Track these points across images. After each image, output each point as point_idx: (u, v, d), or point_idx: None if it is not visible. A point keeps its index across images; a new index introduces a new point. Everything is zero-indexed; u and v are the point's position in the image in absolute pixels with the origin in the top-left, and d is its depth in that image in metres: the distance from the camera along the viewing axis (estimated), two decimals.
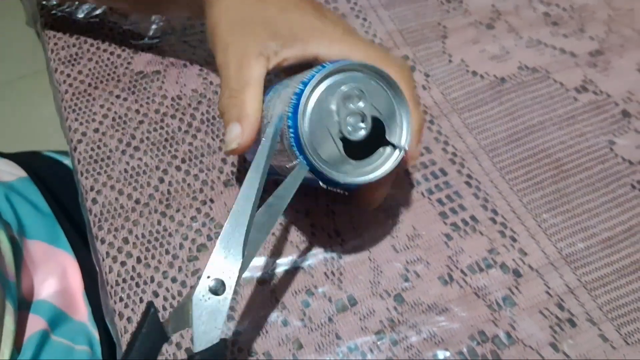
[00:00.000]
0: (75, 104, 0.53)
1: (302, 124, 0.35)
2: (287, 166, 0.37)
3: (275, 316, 0.42)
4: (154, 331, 0.32)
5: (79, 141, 0.51)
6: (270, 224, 0.35)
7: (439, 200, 0.48)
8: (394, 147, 0.37)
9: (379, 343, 0.41)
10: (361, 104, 0.36)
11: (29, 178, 0.64)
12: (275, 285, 0.44)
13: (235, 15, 0.41)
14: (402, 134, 0.37)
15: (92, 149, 0.50)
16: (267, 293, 0.43)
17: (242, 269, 0.33)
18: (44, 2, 0.59)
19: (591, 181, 0.50)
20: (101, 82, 0.54)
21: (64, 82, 0.55)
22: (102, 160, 0.50)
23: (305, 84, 0.35)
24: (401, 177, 0.49)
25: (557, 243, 0.46)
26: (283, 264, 0.45)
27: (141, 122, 0.52)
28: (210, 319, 0.32)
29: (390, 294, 0.44)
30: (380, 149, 0.37)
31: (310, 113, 0.35)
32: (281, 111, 0.36)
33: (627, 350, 0.42)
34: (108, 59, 0.56)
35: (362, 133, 0.36)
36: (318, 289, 0.44)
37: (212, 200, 0.48)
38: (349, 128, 0.36)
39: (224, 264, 0.33)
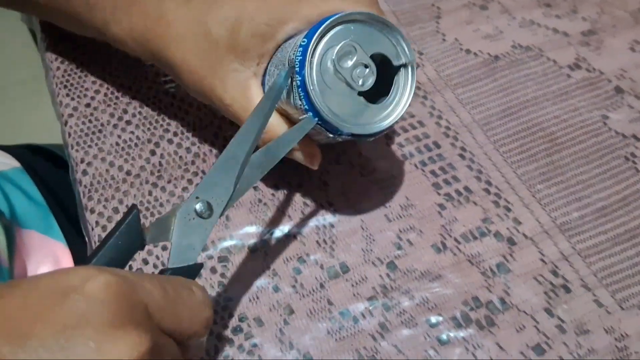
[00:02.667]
0: (67, 80, 0.53)
1: (310, 77, 0.35)
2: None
3: (266, 283, 0.42)
4: (132, 233, 0.31)
5: (70, 115, 0.51)
6: (266, 166, 0.35)
7: (432, 172, 0.48)
8: (403, 67, 0.38)
9: (371, 308, 0.41)
10: (357, 57, 0.37)
11: (22, 169, 0.64)
12: (266, 253, 0.43)
13: (199, 54, 0.39)
14: (405, 50, 0.38)
15: (84, 123, 0.50)
16: (258, 260, 0.43)
17: (232, 199, 0.33)
18: None
19: (585, 153, 0.49)
20: (94, 60, 0.54)
21: (56, 59, 0.55)
22: (94, 133, 0.50)
23: (309, 37, 0.36)
24: (394, 149, 0.49)
25: (551, 212, 0.46)
26: (275, 232, 0.44)
27: (134, 97, 0.52)
28: (191, 239, 0.32)
29: (383, 261, 0.43)
30: (393, 84, 0.38)
31: (316, 71, 0.36)
32: (285, 69, 0.37)
33: (622, 314, 0.41)
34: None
35: (371, 80, 0.37)
36: (310, 257, 0.43)
37: (204, 172, 0.47)
38: (359, 81, 0.37)
39: (215, 189, 0.33)
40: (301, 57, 0.36)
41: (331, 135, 0.38)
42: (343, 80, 0.37)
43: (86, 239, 0.46)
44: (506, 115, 0.52)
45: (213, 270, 0.42)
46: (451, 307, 0.41)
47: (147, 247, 0.42)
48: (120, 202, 0.46)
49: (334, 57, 0.36)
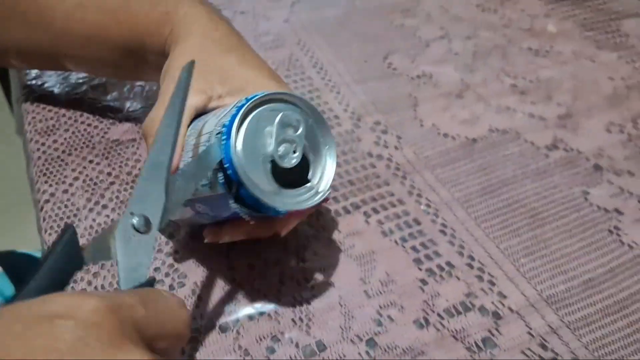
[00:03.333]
0: (47, 169, 0.53)
1: (234, 138, 0.34)
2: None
3: None
4: (70, 252, 0.29)
5: (47, 201, 0.50)
6: (200, 175, 0.34)
7: (413, 248, 0.47)
8: (316, 191, 0.37)
9: None
10: (296, 135, 0.36)
11: (4, 273, 0.64)
12: (238, 332, 0.41)
13: (193, 57, 0.42)
14: (323, 177, 0.38)
15: (59, 208, 0.50)
16: (229, 340, 0.41)
17: (168, 210, 0.32)
18: (30, 82, 0.61)
19: (568, 227, 0.48)
20: (75, 149, 0.55)
21: (38, 149, 0.55)
22: (68, 217, 0.49)
23: (247, 100, 0.35)
24: (373, 226, 0.48)
25: (537, 286, 0.44)
26: (247, 310, 0.42)
27: (112, 183, 0.52)
28: (137, 257, 0.30)
29: (362, 338, 0.41)
30: (308, 184, 0.37)
31: (247, 128, 0.34)
32: (213, 127, 0.36)
33: None
34: (85, 129, 0.57)
35: (293, 162, 0.36)
36: (285, 335, 0.41)
37: (176, 252, 0.46)
38: (280, 154, 0.35)
39: (148, 201, 0.32)
40: (232, 118, 0.34)
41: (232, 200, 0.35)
42: (270, 140, 0.35)
43: None
44: (486, 193, 0.51)
45: (181, 351, 0.40)
46: None
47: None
48: (89, 283, 0.44)
49: (280, 115, 0.35)
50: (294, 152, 0.36)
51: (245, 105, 0.34)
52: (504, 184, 0.52)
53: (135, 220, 0.31)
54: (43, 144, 0.55)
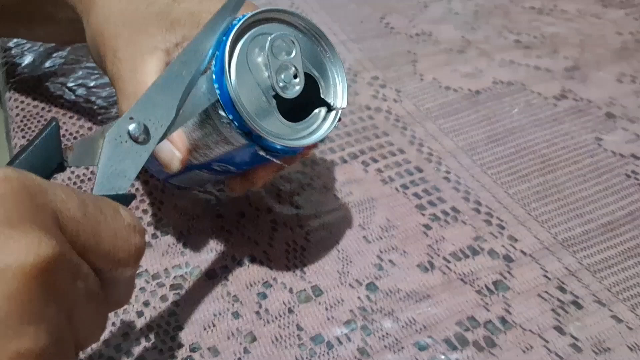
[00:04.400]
0: (25, 124, 0.50)
1: (228, 78, 0.29)
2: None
3: (224, 309, 0.36)
4: (49, 148, 0.25)
5: None
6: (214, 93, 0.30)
7: (415, 194, 0.43)
8: (329, 107, 0.33)
9: (348, 333, 0.34)
10: (292, 56, 0.31)
11: None
12: (226, 279, 0.37)
13: (122, 16, 0.35)
14: (337, 93, 0.33)
15: None
16: (216, 286, 0.37)
17: (175, 124, 0.28)
18: (9, 45, 0.57)
19: (582, 172, 0.45)
20: (56, 106, 0.52)
21: (17, 107, 0.52)
22: None
23: (228, 33, 0.30)
24: (372, 174, 0.45)
25: (551, 229, 0.41)
26: (237, 257, 0.39)
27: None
28: (122, 165, 0.26)
29: (362, 282, 0.37)
30: (316, 110, 0.33)
31: (236, 66, 0.30)
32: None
33: None
34: (67, 87, 0.54)
35: (296, 89, 0.31)
36: (277, 281, 0.37)
37: (161, 202, 0.43)
38: (281, 84, 0.31)
39: (154, 110, 0.27)
40: (225, 38, 0.30)
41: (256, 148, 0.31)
42: (267, 75, 0.30)
43: None
44: (492, 142, 0.48)
45: (164, 298, 0.36)
46: (443, 329, 0.35)
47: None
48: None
49: (268, 41, 0.30)
50: (295, 77, 0.31)
51: (227, 44, 0.29)
52: (510, 133, 0.49)
53: (132, 126, 0.27)
54: (22, 102, 0.52)
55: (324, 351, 0.34)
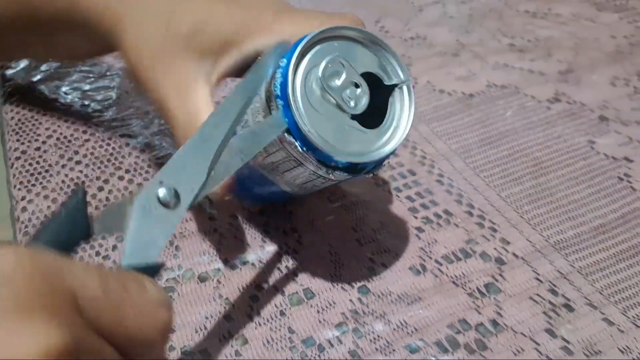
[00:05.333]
0: (20, 127, 0.50)
1: (295, 100, 0.30)
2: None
3: (216, 312, 0.36)
4: (76, 218, 0.24)
5: (17, 158, 0.47)
6: (249, 151, 0.29)
7: (408, 197, 0.43)
8: (397, 88, 0.33)
9: (339, 335, 0.35)
10: (347, 75, 0.31)
11: None
12: (219, 282, 0.37)
13: (151, 49, 0.36)
14: (397, 70, 0.33)
15: (30, 164, 0.46)
16: (208, 289, 0.37)
17: (205, 187, 0.27)
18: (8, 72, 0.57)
19: (574, 175, 0.45)
20: (50, 109, 0.52)
21: (12, 110, 0.52)
22: (39, 173, 0.46)
23: (289, 56, 0.30)
24: (364, 177, 0.45)
25: (543, 232, 0.41)
26: (229, 260, 0.39)
27: (87, 140, 0.49)
28: (152, 233, 0.25)
29: (354, 285, 0.37)
30: (389, 107, 0.33)
31: (301, 93, 0.30)
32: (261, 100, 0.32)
33: (638, 332, 0.34)
34: (63, 92, 0.54)
35: (365, 100, 0.31)
36: (269, 283, 0.37)
37: None
38: (351, 103, 0.31)
39: (184, 174, 0.26)
40: (282, 79, 0.30)
41: (322, 171, 0.31)
42: (333, 103, 0.31)
43: None
44: (485, 144, 0.48)
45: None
46: (434, 331, 0.35)
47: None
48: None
49: (319, 75, 0.30)
50: (357, 87, 0.31)
51: (292, 63, 0.30)
52: (503, 136, 0.49)
53: (162, 192, 0.26)
54: (17, 105, 0.52)
55: (315, 354, 0.34)
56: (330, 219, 0.41)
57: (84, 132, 0.49)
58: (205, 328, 0.35)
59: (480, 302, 0.36)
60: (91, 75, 0.55)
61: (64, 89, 0.53)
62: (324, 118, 0.30)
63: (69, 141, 0.48)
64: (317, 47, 0.31)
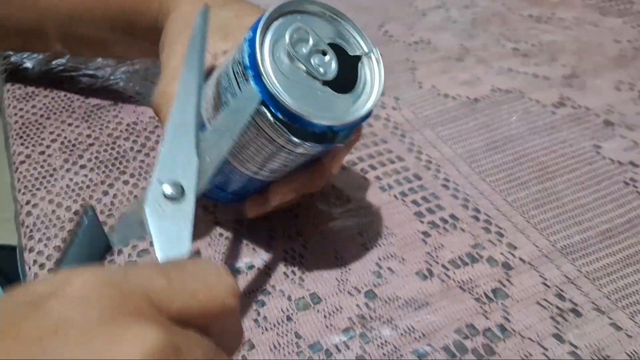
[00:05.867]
0: (24, 132, 0.50)
1: (264, 68, 0.30)
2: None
3: None
4: (93, 235, 0.25)
5: (22, 162, 0.47)
6: (234, 127, 0.29)
7: (414, 202, 0.43)
8: (366, 57, 0.33)
9: (347, 340, 0.34)
10: (313, 42, 0.31)
11: None
12: None
13: (188, 20, 0.38)
14: (359, 42, 0.33)
15: (35, 168, 0.46)
16: None
17: (203, 171, 0.27)
18: (9, 52, 0.58)
19: (580, 180, 0.45)
20: (54, 113, 0.52)
21: (16, 114, 0.52)
22: (44, 177, 0.46)
23: (254, 28, 0.30)
24: (370, 181, 0.45)
25: (549, 237, 0.41)
26: (236, 265, 0.39)
27: (91, 144, 0.49)
28: (174, 230, 0.25)
29: (361, 290, 0.37)
30: (359, 75, 0.33)
31: (269, 61, 0.30)
32: (232, 71, 0.32)
33: None
34: (65, 95, 0.54)
35: (334, 66, 0.32)
36: (275, 288, 0.37)
37: None
38: (321, 69, 0.31)
39: (177, 166, 0.27)
40: (249, 51, 0.30)
41: (294, 143, 0.31)
42: (303, 69, 0.31)
43: (21, 280, 0.40)
44: (490, 149, 0.48)
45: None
46: (442, 336, 0.35)
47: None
48: (65, 240, 0.41)
49: (287, 43, 0.31)
50: (325, 54, 0.32)
51: (257, 34, 0.30)
52: (509, 140, 0.49)
53: (166, 188, 0.26)
54: (21, 109, 0.52)
55: (323, 359, 0.33)
56: (335, 224, 0.41)
57: (88, 136, 0.49)
58: None
59: (487, 307, 0.36)
60: (95, 79, 0.55)
61: (67, 92, 0.53)
62: (296, 85, 0.30)
63: (74, 145, 0.48)
64: (281, 20, 0.32)
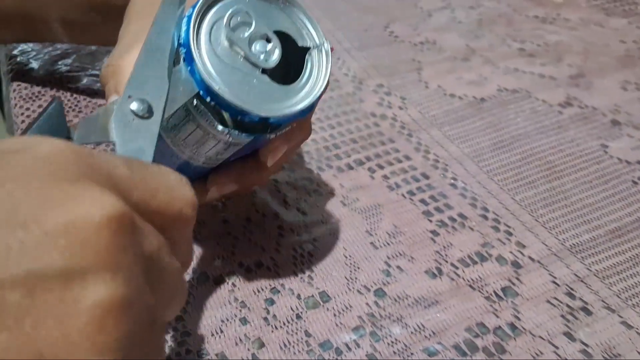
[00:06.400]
0: None
1: (198, 50, 0.29)
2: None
3: (232, 315, 0.36)
4: (53, 125, 0.25)
5: None
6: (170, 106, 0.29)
7: (422, 201, 0.43)
8: (316, 50, 0.32)
9: (357, 339, 0.34)
10: (255, 27, 0.30)
11: None
12: (234, 285, 0.37)
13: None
14: (312, 33, 0.32)
15: None
16: (224, 292, 0.37)
17: (171, 98, 0.28)
18: (15, 53, 0.58)
19: (588, 179, 0.45)
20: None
21: (22, 114, 0.52)
22: None
23: (191, 13, 0.29)
24: (378, 180, 0.45)
25: (558, 235, 0.40)
26: (245, 264, 0.38)
27: (98, 143, 0.48)
28: (137, 143, 0.26)
29: (370, 288, 0.37)
30: (304, 66, 0.32)
31: (205, 42, 0.29)
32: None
33: None
34: (72, 95, 0.54)
35: (276, 55, 0.30)
36: (285, 287, 0.37)
37: None
38: (261, 57, 0.30)
39: (148, 86, 0.27)
40: (186, 27, 0.29)
41: (221, 129, 0.30)
42: (241, 54, 0.29)
43: None
44: (498, 148, 0.48)
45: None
46: (452, 335, 0.35)
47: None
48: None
49: (225, 25, 0.29)
50: (268, 41, 0.30)
51: (195, 11, 0.29)
52: (516, 139, 0.49)
53: (135, 105, 0.27)
54: (28, 109, 0.52)
55: (333, 357, 0.33)
56: (344, 222, 0.41)
57: None
58: (221, 331, 0.35)
59: (497, 306, 0.36)
60: None
61: (74, 92, 0.53)
62: (231, 70, 0.29)
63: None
64: (224, 1, 0.30)
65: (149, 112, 0.27)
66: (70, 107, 0.52)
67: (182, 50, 0.29)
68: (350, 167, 0.46)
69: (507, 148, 0.48)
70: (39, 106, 0.52)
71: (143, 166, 0.22)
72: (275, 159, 0.33)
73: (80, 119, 0.26)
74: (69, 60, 0.56)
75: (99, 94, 0.53)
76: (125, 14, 0.38)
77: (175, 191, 0.22)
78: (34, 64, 0.55)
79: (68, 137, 0.26)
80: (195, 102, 0.29)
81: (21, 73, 0.55)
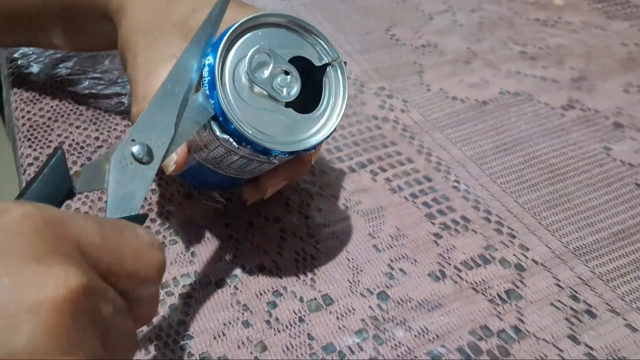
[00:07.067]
0: (32, 134, 0.50)
1: (225, 98, 0.30)
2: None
3: (234, 318, 0.35)
4: (57, 176, 0.26)
5: (30, 164, 0.47)
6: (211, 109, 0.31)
7: (425, 203, 0.43)
8: (330, 67, 0.33)
9: (360, 342, 0.34)
10: (274, 63, 0.31)
11: None
12: (236, 288, 0.37)
13: (145, 24, 0.37)
14: (326, 50, 0.33)
15: None
16: (226, 295, 0.37)
17: (175, 142, 0.29)
18: (15, 56, 0.57)
19: (591, 182, 0.45)
20: (62, 115, 0.52)
21: (23, 117, 0.52)
22: None
23: (215, 52, 0.30)
24: (381, 183, 0.44)
25: (562, 238, 0.40)
26: (247, 267, 0.38)
27: (100, 146, 0.48)
28: (131, 187, 0.27)
29: (373, 291, 0.37)
30: (323, 88, 0.33)
31: (230, 90, 0.31)
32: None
33: None
34: (73, 97, 0.54)
35: (297, 87, 0.32)
36: (287, 290, 0.37)
37: (169, 210, 0.42)
38: (283, 91, 0.31)
39: (154, 130, 0.28)
40: (210, 78, 0.30)
41: (264, 157, 0.32)
42: (265, 94, 0.31)
43: None
44: (500, 151, 0.48)
45: (173, 307, 0.36)
46: (456, 337, 0.34)
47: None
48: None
49: (246, 69, 0.31)
50: (287, 74, 0.32)
51: (217, 60, 0.30)
52: (518, 142, 0.48)
53: (136, 148, 0.28)
54: (29, 112, 0.52)
55: None
56: (346, 225, 0.41)
57: (96, 138, 0.49)
58: (224, 334, 0.34)
59: (501, 309, 0.36)
60: (102, 82, 0.54)
61: (75, 95, 0.53)
62: (257, 110, 0.31)
63: (82, 147, 0.48)
64: (243, 39, 0.31)
65: (148, 156, 0.28)
66: (71, 110, 0.51)
67: (211, 102, 0.30)
68: (353, 170, 0.46)
69: (509, 151, 0.48)
70: (40, 109, 0.52)
71: (117, 230, 0.23)
72: (317, 156, 0.37)
73: (82, 167, 0.27)
74: (69, 64, 0.56)
75: (100, 96, 0.53)
76: (121, 42, 0.38)
77: (144, 257, 0.23)
78: (35, 67, 0.55)
79: (71, 187, 0.27)
80: (233, 145, 0.31)
81: (22, 76, 0.55)
